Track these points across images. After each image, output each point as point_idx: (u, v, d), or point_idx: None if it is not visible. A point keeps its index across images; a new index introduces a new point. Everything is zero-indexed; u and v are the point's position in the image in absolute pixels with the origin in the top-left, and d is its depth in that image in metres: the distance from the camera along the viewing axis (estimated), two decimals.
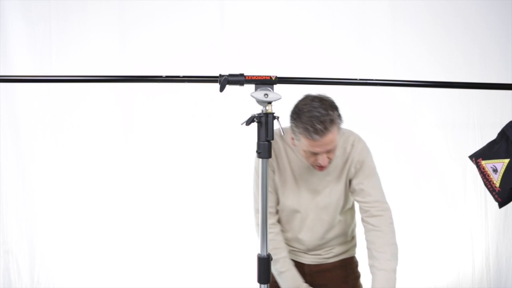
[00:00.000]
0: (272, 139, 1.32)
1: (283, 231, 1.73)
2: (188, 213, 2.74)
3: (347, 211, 1.73)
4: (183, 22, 2.71)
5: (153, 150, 2.73)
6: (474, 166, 1.57)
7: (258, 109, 1.31)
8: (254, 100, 1.30)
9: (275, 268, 1.66)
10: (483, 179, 1.55)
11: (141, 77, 1.40)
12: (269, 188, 1.57)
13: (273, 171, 1.66)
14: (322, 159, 1.49)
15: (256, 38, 2.70)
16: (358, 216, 1.72)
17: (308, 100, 1.49)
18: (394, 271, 1.55)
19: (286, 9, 2.72)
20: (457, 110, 2.78)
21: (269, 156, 1.34)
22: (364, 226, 1.63)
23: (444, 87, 2.42)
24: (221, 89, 1.30)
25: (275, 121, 1.32)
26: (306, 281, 1.70)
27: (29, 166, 2.68)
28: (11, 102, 2.65)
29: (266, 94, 1.30)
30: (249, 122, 1.32)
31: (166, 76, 1.29)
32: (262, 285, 1.39)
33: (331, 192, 1.64)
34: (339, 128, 1.48)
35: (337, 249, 1.75)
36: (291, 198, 1.67)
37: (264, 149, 1.32)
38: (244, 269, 2.46)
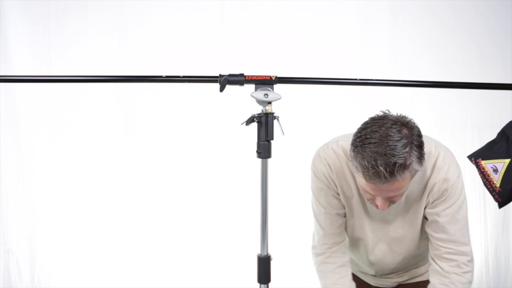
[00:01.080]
0: (272, 139, 1.32)
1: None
2: (188, 213, 2.75)
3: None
4: (183, 21, 2.71)
5: (153, 150, 2.74)
6: (472, 166, 1.56)
7: (258, 109, 1.31)
8: (254, 100, 1.31)
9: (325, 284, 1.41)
10: (482, 179, 1.55)
11: (141, 77, 1.40)
12: (330, 210, 1.34)
13: (336, 190, 1.34)
14: (381, 204, 1.16)
15: (256, 38, 2.70)
16: None
17: (382, 123, 1.09)
18: None
19: (286, 9, 2.72)
20: (456, 110, 2.78)
21: (269, 156, 1.34)
22: (430, 264, 1.33)
23: (443, 87, 2.42)
24: (221, 89, 1.30)
25: (275, 121, 1.32)
26: None
27: (29, 166, 2.69)
28: (11, 102, 2.65)
29: (266, 94, 1.30)
30: (249, 122, 1.32)
31: (166, 76, 1.29)
32: (262, 285, 1.40)
33: (404, 222, 1.32)
34: (414, 173, 1.11)
35: (413, 272, 1.51)
36: (357, 227, 1.38)
37: (264, 149, 1.32)
38: (244, 269, 2.46)
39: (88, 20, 2.65)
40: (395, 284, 1.51)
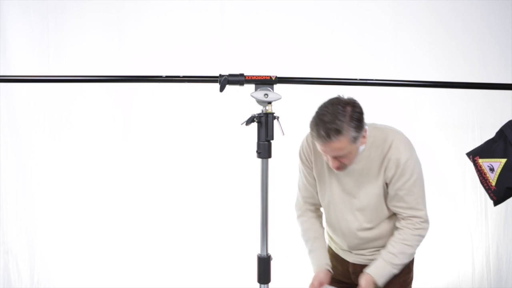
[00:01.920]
0: (272, 139, 1.32)
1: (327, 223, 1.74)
2: (188, 213, 2.74)
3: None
4: (183, 21, 2.70)
5: (152, 150, 2.73)
6: (473, 166, 1.57)
7: (258, 109, 1.31)
8: (254, 100, 1.30)
9: (306, 247, 1.71)
10: (479, 177, 1.57)
11: (141, 77, 1.40)
12: (305, 182, 1.69)
13: (310, 166, 1.66)
14: (332, 162, 1.48)
15: (256, 38, 2.69)
16: None
17: (329, 101, 1.45)
18: (393, 265, 1.55)
19: (286, 9, 2.71)
20: (457, 110, 2.78)
21: (269, 156, 1.34)
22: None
23: (444, 87, 2.42)
24: (221, 89, 1.30)
25: (275, 121, 1.32)
26: (351, 280, 1.70)
27: (28, 166, 2.68)
28: (10, 102, 2.64)
29: (266, 94, 1.30)
30: (249, 122, 1.32)
31: (166, 76, 1.29)
32: (262, 285, 1.39)
33: (367, 195, 1.59)
34: (353, 139, 1.42)
35: (373, 255, 1.67)
36: (326, 197, 1.66)
37: (264, 149, 1.32)
38: (244, 269, 2.46)
39: (86, 18, 2.65)
40: (368, 262, 1.65)
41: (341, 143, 1.40)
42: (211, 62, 2.63)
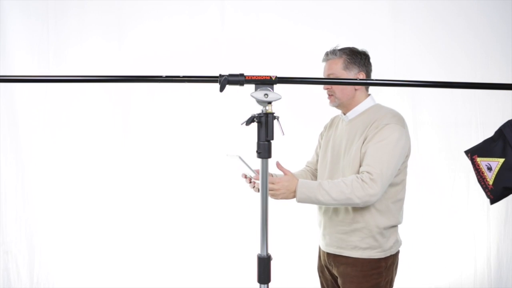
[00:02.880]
0: (272, 139, 1.32)
1: None
2: (188, 213, 2.75)
3: (374, 208, 1.65)
4: (183, 21, 2.71)
5: (152, 150, 2.73)
6: (471, 164, 1.57)
7: (258, 109, 1.31)
8: (254, 100, 1.30)
9: None
10: (477, 175, 1.57)
11: (141, 77, 1.39)
12: (313, 154, 1.98)
13: (320, 142, 1.92)
14: (327, 92, 1.75)
15: (256, 38, 2.70)
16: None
17: None
18: (321, 187, 1.56)
19: (286, 10, 2.72)
20: (460, 109, 2.79)
21: (269, 156, 1.33)
22: None
23: (445, 87, 2.42)
24: (221, 89, 1.29)
25: (275, 121, 1.32)
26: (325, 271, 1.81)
27: (28, 166, 2.68)
28: (10, 102, 2.65)
29: (266, 94, 1.29)
30: (249, 122, 1.31)
31: (166, 76, 1.28)
32: (262, 285, 1.39)
33: (350, 155, 1.68)
34: (344, 64, 1.71)
35: (352, 241, 1.68)
36: (321, 163, 1.85)
37: (264, 149, 1.32)
38: (244, 269, 2.46)
39: (86, 18, 2.66)
40: (333, 251, 1.73)
41: (332, 63, 1.73)
42: (211, 62, 2.64)
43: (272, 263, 1.49)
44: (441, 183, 2.80)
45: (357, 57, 1.74)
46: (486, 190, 1.54)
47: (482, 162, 1.54)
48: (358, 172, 1.63)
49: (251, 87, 1.32)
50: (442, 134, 2.80)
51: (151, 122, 2.73)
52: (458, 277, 2.83)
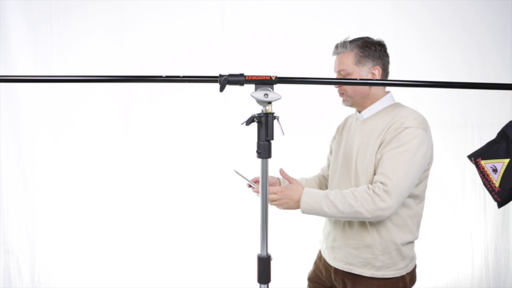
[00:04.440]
0: (272, 139, 1.32)
1: None
2: (188, 214, 2.75)
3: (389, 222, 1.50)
4: (183, 22, 2.71)
5: (153, 150, 2.74)
6: (473, 166, 1.56)
7: (258, 109, 1.31)
8: (254, 100, 1.30)
9: None
10: (482, 179, 1.54)
11: (141, 77, 1.40)
12: (328, 155, 1.84)
13: (332, 141, 1.79)
14: (338, 90, 1.62)
15: (256, 38, 2.70)
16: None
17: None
18: (327, 198, 1.43)
19: (286, 9, 2.72)
20: (456, 110, 2.79)
21: (269, 156, 1.34)
22: None
23: (443, 87, 2.42)
24: (221, 89, 1.29)
25: (275, 121, 1.32)
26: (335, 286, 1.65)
27: (30, 166, 2.69)
28: (13, 102, 2.65)
29: (266, 94, 1.29)
30: (249, 122, 1.32)
31: (166, 76, 1.29)
32: (262, 285, 1.39)
33: (358, 158, 1.53)
34: (356, 58, 1.57)
35: (364, 258, 1.54)
36: (332, 165, 1.71)
37: (264, 149, 1.32)
38: (244, 269, 2.46)
39: (88, 21, 2.66)
40: (347, 267, 1.56)
41: (343, 57, 1.58)
42: (211, 62, 2.64)
43: (272, 263, 1.49)
44: (437, 183, 2.80)
45: (371, 49, 1.58)
46: (493, 193, 1.51)
47: (487, 164, 1.52)
48: (372, 182, 1.47)
49: (251, 87, 1.32)
50: (438, 135, 2.80)
51: (151, 122, 2.74)
52: (455, 276, 2.84)
